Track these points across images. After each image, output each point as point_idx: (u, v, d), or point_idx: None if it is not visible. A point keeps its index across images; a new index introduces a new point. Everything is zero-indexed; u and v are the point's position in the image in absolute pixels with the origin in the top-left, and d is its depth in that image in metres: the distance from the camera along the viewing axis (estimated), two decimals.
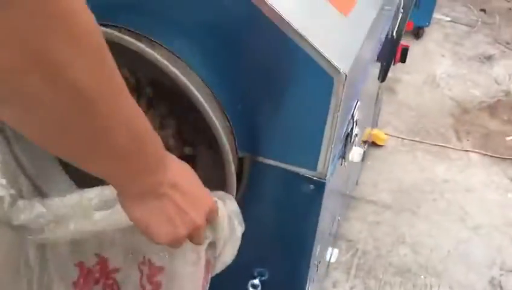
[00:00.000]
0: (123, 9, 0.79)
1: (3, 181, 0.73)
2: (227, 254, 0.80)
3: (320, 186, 0.86)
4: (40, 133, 0.47)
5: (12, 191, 0.74)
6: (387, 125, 2.23)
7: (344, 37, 0.81)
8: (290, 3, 0.77)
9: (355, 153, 1.17)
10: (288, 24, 0.72)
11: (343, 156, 1.02)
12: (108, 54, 0.46)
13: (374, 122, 1.93)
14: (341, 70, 0.73)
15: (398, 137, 2.19)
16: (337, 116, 0.77)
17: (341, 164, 1.04)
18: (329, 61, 0.73)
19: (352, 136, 0.98)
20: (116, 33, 0.74)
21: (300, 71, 0.76)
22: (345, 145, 0.99)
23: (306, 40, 0.72)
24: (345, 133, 0.96)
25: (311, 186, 0.86)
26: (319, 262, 1.18)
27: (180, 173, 0.61)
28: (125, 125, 0.50)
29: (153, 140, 0.56)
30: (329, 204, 1.00)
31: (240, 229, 0.78)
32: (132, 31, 0.78)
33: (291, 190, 0.88)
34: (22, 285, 0.77)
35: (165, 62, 0.75)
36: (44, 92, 0.42)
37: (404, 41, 1.53)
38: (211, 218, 0.67)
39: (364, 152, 1.77)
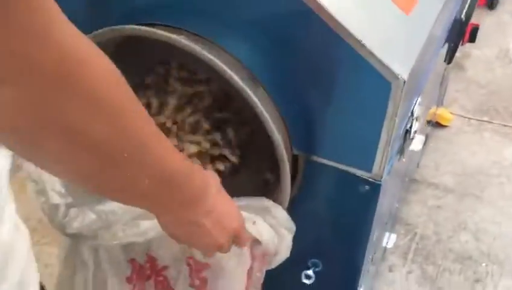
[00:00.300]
0: (177, 10, 0.80)
1: (62, 189, 0.77)
2: (280, 256, 0.82)
3: (375, 187, 0.85)
4: (66, 178, 0.49)
5: (69, 200, 0.78)
6: (453, 104, 2.14)
7: (404, 38, 0.78)
8: (346, 2, 0.75)
9: (416, 141, 1.14)
10: (343, 27, 0.70)
11: (401, 152, 0.99)
12: (131, 105, 0.46)
13: (439, 101, 1.86)
14: (399, 77, 0.71)
15: (465, 117, 2.10)
16: (395, 121, 0.75)
17: (398, 160, 1.02)
18: (387, 66, 0.71)
19: (411, 133, 0.95)
20: (166, 34, 0.75)
21: (356, 75, 0.74)
22: (404, 141, 0.96)
23: (362, 44, 0.70)
24: (403, 130, 0.93)
25: (366, 187, 0.85)
26: (374, 253, 1.18)
27: (217, 201, 0.64)
28: (154, 173, 0.51)
29: (189, 178, 0.57)
30: (385, 200, 0.99)
31: (289, 236, 0.79)
32: (187, 31, 0.79)
33: (346, 189, 0.87)
34: (79, 281, 0.83)
35: (216, 60, 0.75)
36: (65, 152, 0.43)
37: (475, 14, 1.43)
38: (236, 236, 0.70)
39: (427, 135, 1.72)
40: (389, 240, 1.50)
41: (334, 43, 0.72)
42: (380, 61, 0.71)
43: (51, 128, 0.40)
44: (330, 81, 0.77)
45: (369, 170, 0.83)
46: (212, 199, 0.62)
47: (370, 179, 0.84)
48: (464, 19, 1.28)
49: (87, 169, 0.46)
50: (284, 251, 0.81)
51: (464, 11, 1.26)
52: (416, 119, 0.95)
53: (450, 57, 1.40)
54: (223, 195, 0.66)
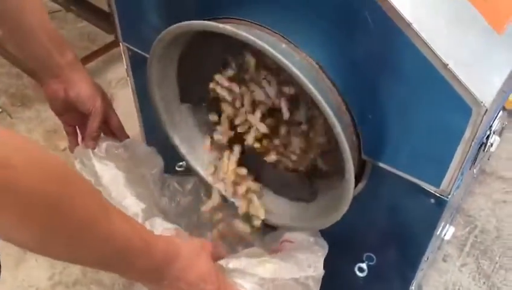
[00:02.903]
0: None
1: (133, 198, 0.83)
2: None
3: (441, 201, 0.84)
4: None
5: (143, 206, 0.83)
6: None
7: (493, 59, 0.74)
8: (435, 17, 0.72)
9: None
10: (428, 46, 0.68)
11: (473, 162, 0.97)
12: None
13: None
14: (482, 104, 0.68)
15: None
16: (471, 144, 0.73)
17: (470, 169, 0.99)
18: (469, 91, 0.68)
19: (487, 146, 0.92)
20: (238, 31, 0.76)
21: (436, 93, 0.72)
22: (478, 154, 0.94)
23: (447, 67, 0.68)
24: (479, 144, 0.90)
25: (432, 200, 0.84)
26: (431, 252, 1.17)
27: (188, 268, 0.70)
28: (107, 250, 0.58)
29: (145, 251, 0.63)
30: (450, 209, 0.97)
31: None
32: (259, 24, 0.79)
33: (411, 198, 0.87)
34: None
35: (296, 71, 0.75)
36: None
37: None
38: None
39: (503, 126, 1.64)
40: (447, 232, 1.48)
41: (418, 61, 0.69)
42: (463, 85, 0.68)
43: None
44: (407, 94, 0.75)
45: (437, 186, 0.82)
46: (181, 266, 0.69)
47: (437, 194, 0.83)
48: None
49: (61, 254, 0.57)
50: None
51: None
52: (494, 133, 0.92)
53: None
54: (197, 261, 0.72)
